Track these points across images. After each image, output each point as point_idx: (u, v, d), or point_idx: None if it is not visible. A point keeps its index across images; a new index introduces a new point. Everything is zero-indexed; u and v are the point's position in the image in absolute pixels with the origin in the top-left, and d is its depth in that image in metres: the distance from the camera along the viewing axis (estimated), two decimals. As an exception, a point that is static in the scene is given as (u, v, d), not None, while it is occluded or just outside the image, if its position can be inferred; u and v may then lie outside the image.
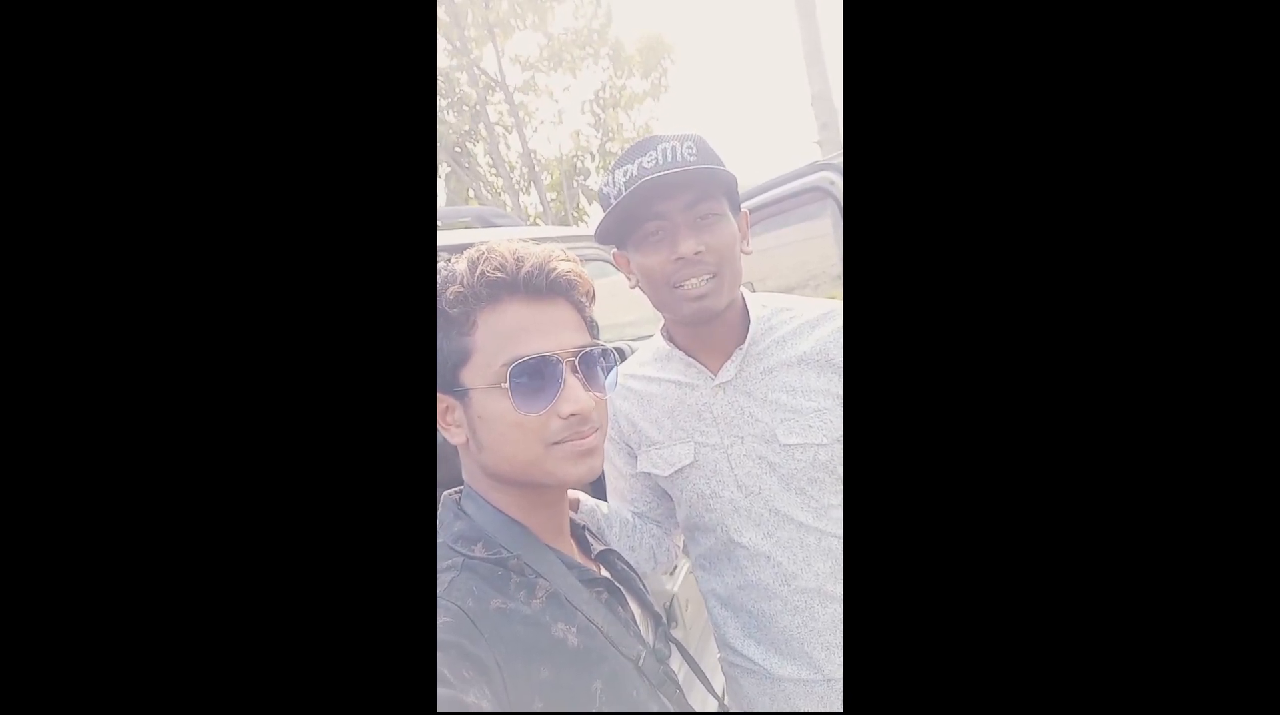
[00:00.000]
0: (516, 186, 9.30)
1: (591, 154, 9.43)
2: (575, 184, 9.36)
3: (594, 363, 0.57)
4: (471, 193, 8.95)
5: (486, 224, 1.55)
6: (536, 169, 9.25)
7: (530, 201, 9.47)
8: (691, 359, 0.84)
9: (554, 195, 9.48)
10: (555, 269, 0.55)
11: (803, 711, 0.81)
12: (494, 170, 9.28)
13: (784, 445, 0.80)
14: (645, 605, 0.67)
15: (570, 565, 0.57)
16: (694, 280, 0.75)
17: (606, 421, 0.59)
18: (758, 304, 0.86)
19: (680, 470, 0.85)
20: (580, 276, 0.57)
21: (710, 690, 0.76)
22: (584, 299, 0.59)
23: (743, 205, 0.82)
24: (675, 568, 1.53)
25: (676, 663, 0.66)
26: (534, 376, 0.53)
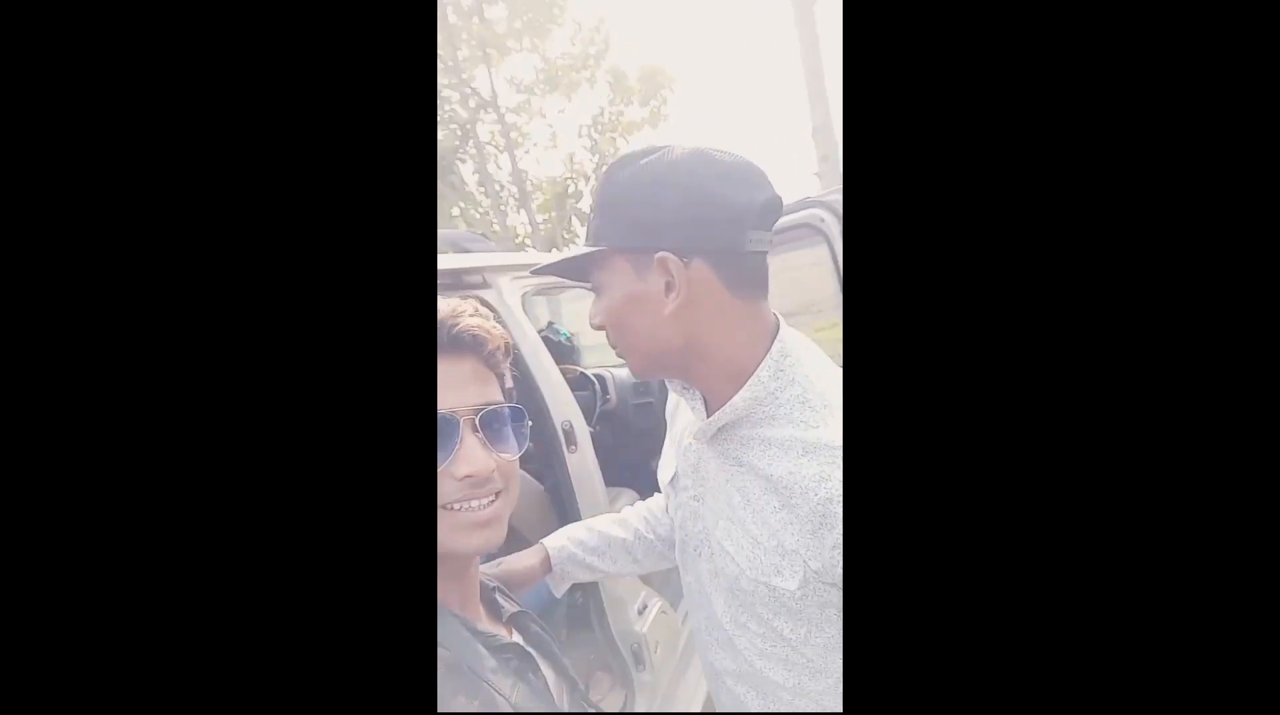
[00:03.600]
0: (504, 206, 9.13)
1: (585, 177, 9.32)
2: (568, 206, 9.22)
3: (501, 422, 0.54)
4: (457, 210, 8.73)
5: (459, 249, 1.32)
6: (529, 189, 9.11)
7: (519, 221, 9.29)
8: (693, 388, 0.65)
9: (544, 217, 9.31)
10: (458, 324, 0.53)
11: (802, 712, 0.74)
12: (482, 189, 9.10)
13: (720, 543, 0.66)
14: (560, 670, 0.64)
15: (475, 632, 0.55)
16: None
17: (515, 487, 0.56)
18: (777, 354, 0.63)
19: (671, 480, 0.75)
20: (489, 333, 0.55)
21: None
22: (496, 354, 0.56)
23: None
24: (644, 608, 1.38)
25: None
26: None
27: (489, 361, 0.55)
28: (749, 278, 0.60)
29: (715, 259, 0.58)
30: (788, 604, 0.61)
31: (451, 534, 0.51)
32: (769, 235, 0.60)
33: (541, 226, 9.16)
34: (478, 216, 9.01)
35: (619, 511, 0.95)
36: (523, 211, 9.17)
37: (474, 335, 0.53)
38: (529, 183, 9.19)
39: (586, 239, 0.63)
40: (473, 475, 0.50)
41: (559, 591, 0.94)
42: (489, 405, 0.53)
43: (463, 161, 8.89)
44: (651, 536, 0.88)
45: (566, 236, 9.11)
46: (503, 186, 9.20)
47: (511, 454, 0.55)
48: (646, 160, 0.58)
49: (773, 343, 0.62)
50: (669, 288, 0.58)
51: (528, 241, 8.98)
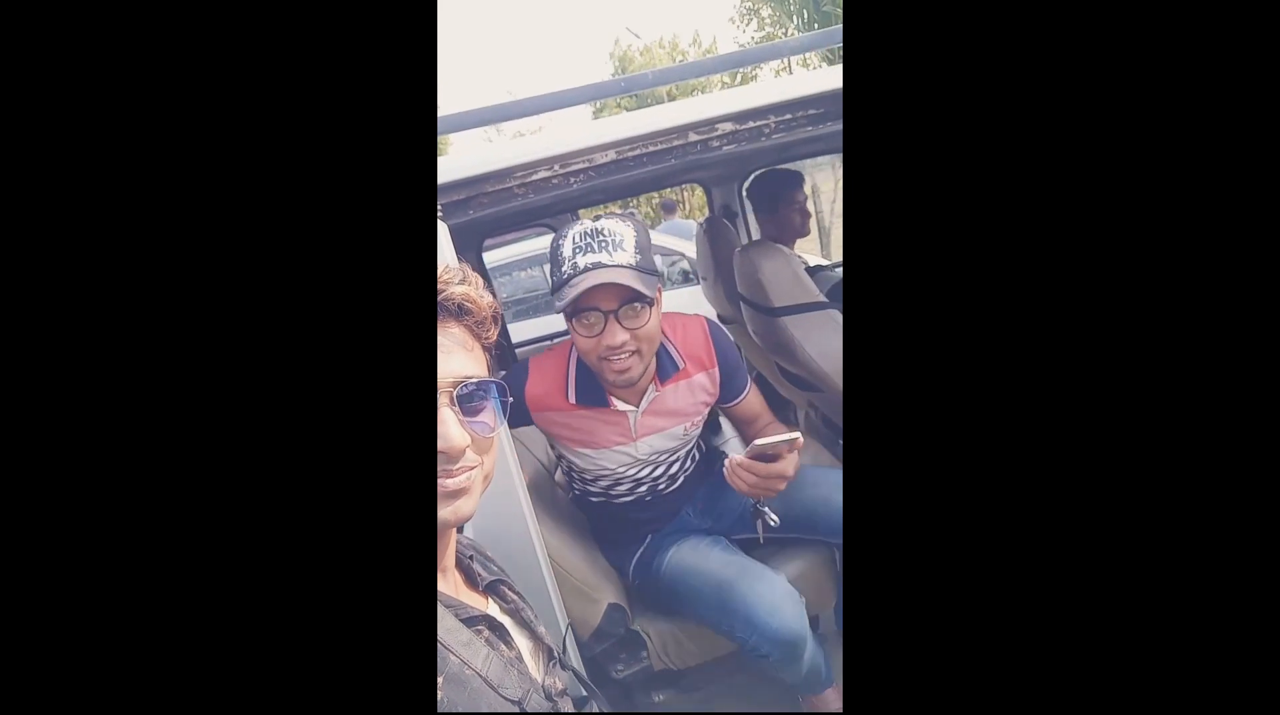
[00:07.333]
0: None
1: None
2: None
3: (481, 397, 0.53)
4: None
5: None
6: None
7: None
8: None
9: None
10: (445, 291, 0.52)
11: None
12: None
13: None
14: (535, 638, 0.64)
15: (448, 604, 0.53)
16: None
17: (491, 461, 0.56)
18: None
19: None
20: (476, 301, 0.54)
21: None
22: (484, 323, 0.55)
23: None
24: None
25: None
26: None
27: (475, 330, 0.55)
28: None
29: None
30: None
31: None
32: None
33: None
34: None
35: None
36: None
37: (460, 303, 0.53)
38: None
39: None
40: (446, 451, 0.49)
41: None
42: (469, 379, 0.52)
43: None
44: None
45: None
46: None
47: (488, 430, 0.53)
48: None
49: None
50: None
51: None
